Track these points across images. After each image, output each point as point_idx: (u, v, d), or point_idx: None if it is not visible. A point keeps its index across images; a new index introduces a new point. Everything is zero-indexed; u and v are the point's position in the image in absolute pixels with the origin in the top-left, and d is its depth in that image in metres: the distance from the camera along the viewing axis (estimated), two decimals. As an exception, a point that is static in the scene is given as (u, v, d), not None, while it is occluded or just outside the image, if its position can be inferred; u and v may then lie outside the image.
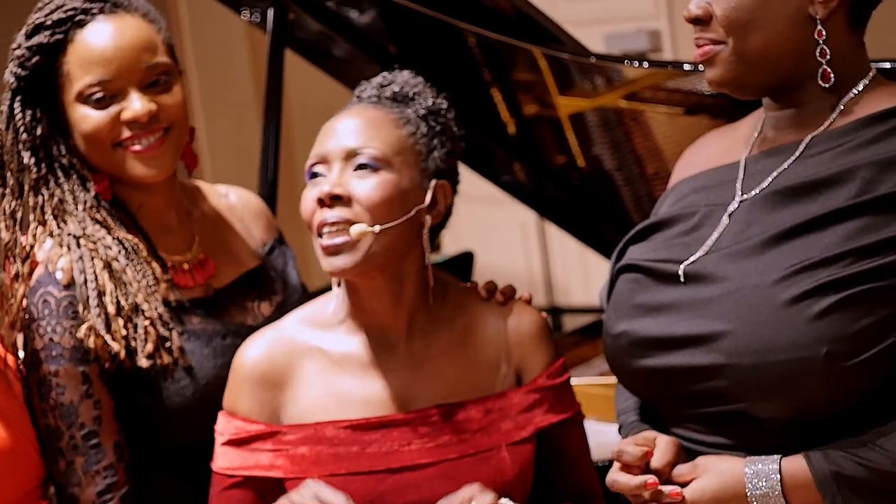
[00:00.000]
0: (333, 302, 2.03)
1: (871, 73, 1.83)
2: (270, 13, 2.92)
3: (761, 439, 1.73)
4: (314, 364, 2.00)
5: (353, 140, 1.95)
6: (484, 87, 3.06)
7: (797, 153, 1.82)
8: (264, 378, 1.99)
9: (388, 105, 1.99)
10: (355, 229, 1.90)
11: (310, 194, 1.95)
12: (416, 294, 1.99)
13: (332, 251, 1.91)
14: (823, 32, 1.77)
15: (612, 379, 2.88)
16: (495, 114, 3.10)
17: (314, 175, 1.96)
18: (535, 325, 2.05)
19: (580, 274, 4.95)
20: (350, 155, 1.94)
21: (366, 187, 1.92)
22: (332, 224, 1.91)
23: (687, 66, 2.65)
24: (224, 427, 2.00)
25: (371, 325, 2.00)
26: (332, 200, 1.92)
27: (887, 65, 2.13)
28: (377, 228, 1.91)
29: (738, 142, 1.93)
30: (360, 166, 1.93)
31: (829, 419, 1.70)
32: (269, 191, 2.94)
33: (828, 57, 1.78)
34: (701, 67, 1.80)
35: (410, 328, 2.00)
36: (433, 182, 1.98)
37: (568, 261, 4.98)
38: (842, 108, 1.81)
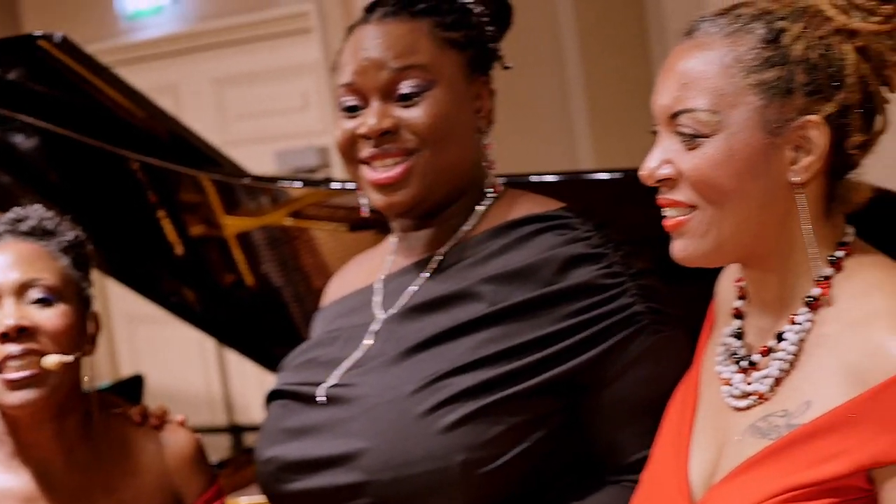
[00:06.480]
0: None
1: (496, 187, 1.89)
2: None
3: None
4: None
5: (22, 273, 1.91)
6: (150, 209, 3.05)
7: (430, 269, 1.87)
8: None
9: (33, 239, 1.97)
10: (50, 360, 1.87)
11: None
12: (77, 425, 1.96)
13: (20, 385, 1.86)
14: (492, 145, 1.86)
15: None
16: (161, 236, 3.10)
17: None
18: (190, 448, 2.05)
19: (259, 391, 4.96)
20: (24, 287, 1.91)
21: (50, 318, 1.90)
22: (20, 357, 1.87)
23: (346, 186, 2.68)
24: None
25: (31, 458, 1.94)
26: (19, 333, 1.87)
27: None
28: (71, 358, 1.89)
29: (377, 263, 1.98)
30: (38, 298, 1.90)
31: None
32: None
33: (495, 168, 1.87)
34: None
35: (71, 461, 1.96)
36: (89, 311, 1.98)
37: (246, 377, 4.98)
38: (470, 225, 1.87)
